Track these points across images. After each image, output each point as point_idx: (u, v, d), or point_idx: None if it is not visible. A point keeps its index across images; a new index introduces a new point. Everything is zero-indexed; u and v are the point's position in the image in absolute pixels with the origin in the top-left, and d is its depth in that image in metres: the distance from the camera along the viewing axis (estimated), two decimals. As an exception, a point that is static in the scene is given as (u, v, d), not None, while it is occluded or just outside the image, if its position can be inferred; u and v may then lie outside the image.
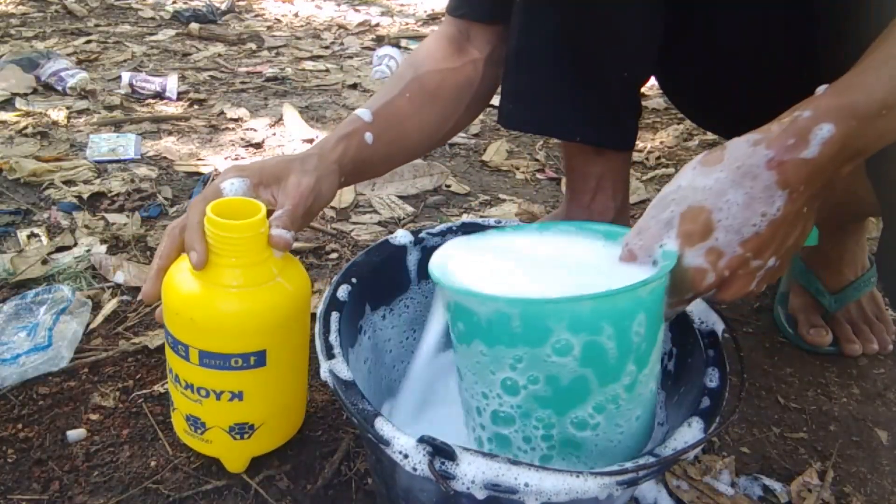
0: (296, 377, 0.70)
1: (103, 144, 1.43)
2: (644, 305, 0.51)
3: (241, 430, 0.67)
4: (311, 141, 1.56)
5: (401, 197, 1.32)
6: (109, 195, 1.25)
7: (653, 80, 0.97)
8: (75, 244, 1.09)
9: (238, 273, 0.61)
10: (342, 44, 2.42)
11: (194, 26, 2.40)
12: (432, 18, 2.86)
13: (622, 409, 0.53)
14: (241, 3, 2.85)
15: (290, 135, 1.59)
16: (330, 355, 0.55)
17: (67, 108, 1.62)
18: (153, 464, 0.71)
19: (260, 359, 0.63)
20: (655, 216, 0.54)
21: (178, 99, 1.76)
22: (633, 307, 0.50)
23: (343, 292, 0.63)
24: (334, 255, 1.12)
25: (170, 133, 1.56)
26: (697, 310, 0.63)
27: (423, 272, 0.71)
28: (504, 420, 0.54)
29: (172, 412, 0.71)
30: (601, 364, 0.51)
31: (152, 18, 2.54)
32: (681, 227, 0.52)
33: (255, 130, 1.60)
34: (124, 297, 0.96)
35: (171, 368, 0.67)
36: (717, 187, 0.52)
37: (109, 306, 0.94)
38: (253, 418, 0.66)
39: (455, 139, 1.58)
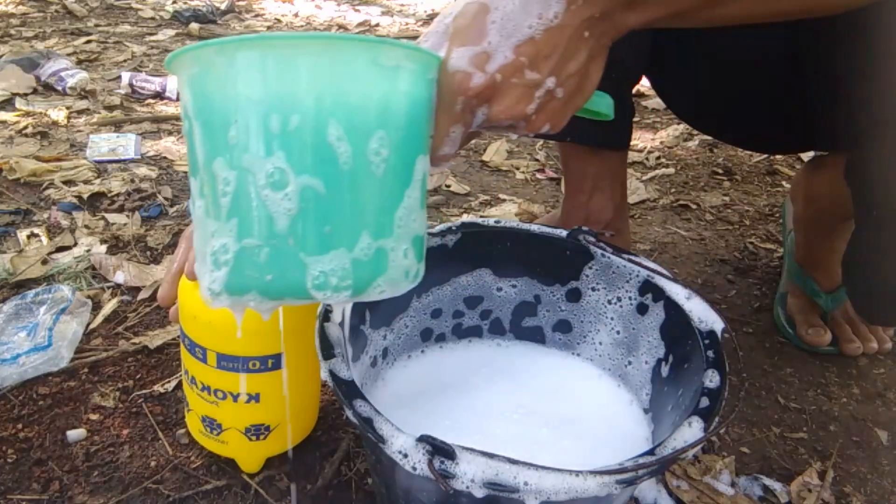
0: (310, 379, 0.70)
1: (103, 144, 1.43)
2: (388, 118, 0.43)
3: (258, 432, 0.67)
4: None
5: (401, 197, 1.32)
6: (109, 195, 1.25)
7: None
8: (75, 244, 1.09)
9: None
10: (342, 44, 2.42)
11: (194, 26, 2.40)
12: (432, 18, 2.87)
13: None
14: (241, 3, 2.85)
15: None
16: (329, 355, 0.55)
17: (67, 108, 1.62)
18: (153, 464, 0.71)
19: (277, 362, 0.63)
20: (433, 30, 0.51)
21: (178, 99, 1.76)
22: (371, 111, 0.42)
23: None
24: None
25: (170, 133, 1.56)
26: (697, 309, 0.63)
27: (424, 282, 0.71)
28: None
29: (187, 413, 0.71)
30: (334, 185, 0.41)
31: (152, 18, 2.55)
32: (453, 26, 0.48)
33: (255, 130, 1.60)
34: (124, 297, 0.96)
35: (187, 370, 0.67)
36: None
37: (109, 306, 0.94)
38: (269, 420, 0.67)
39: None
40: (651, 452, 0.49)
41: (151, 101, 1.74)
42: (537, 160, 1.56)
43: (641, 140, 1.70)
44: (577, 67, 0.50)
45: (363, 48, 0.42)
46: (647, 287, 0.68)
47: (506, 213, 1.29)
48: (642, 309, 0.69)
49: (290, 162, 0.41)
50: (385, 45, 0.43)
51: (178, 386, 0.81)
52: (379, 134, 0.43)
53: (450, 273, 0.73)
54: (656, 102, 1.88)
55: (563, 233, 0.71)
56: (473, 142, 1.62)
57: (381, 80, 0.43)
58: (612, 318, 0.72)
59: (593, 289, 0.72)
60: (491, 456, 0.46)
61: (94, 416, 0.76)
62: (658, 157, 1.59)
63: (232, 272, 0.43)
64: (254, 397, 0.65)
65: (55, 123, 1.55)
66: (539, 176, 1.48)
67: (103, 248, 1.07)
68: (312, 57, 0.41)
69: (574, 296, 0.73)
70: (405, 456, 0.46)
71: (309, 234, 0.42)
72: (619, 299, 0.71)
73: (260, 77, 0.41)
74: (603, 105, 0.57)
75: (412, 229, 0.47)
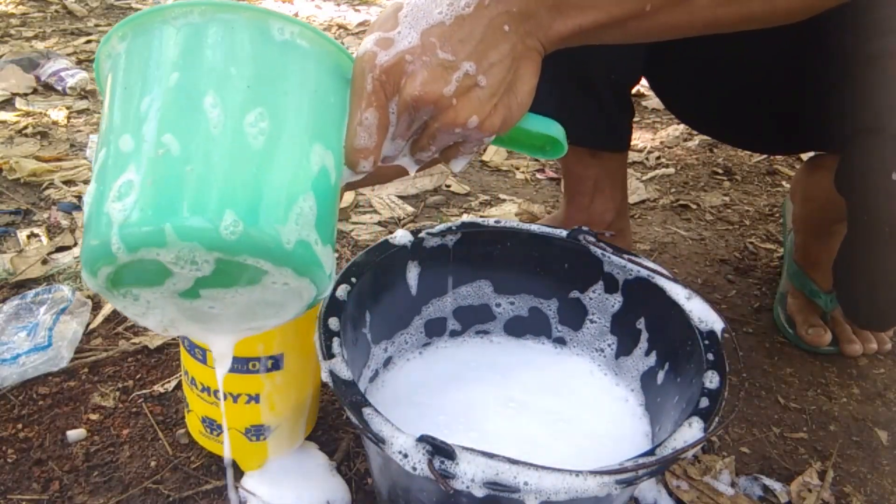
0: (310, 380, 0.70)
1: (103, 144, 1.43)
2: (272, 90, 0.44)
3: (258, 432, 0.67)
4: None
5: (401, 197, 1.32)
6: (109, 195, 1.25)
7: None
8: (75, 244, 1.09)
9: None
10: (342, 44, 2.42)
11: (194, 26, 2.39)
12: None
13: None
14: (241, 4, 2.84)
15: (290, 135, 1.59)
16: (329, 355, 0.55)
17: (67, 108, 1.62)
18: (153, 464, 0.71)
19: (277, 362, 0.63)
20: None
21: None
22: (253, 79, 0.43)
23: (342, 292, 0.63)
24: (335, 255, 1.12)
25: (170, 133, 1.56)
26: (697, 309, 0.63)
27: (424, 292, 0.72)
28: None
29: (187, 413, 0.71)
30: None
31: (152, 18, 2.55)
32: (371, 26, 0.50)
33: (255, 130, 1.60)
34: (124, 297, 0.96)
35: (187, 371, 0.67)
36: None
37: (109, 306, 0.94)
38: (269, 420, 0.67)
39: (455, 139, 1.58)
40: (651, 452, 0.49)
41: (151, 101, 1.74)
42: (537, 160, 1.56)
43: (641, 140, 1.70)
44: (499, 58, 0.49)
45: (254, 16, 0.44)
46: (637, 301, 0.68)
47: (506, 213, 1.29)
48: (627, 346, 0.70)
49: (158, 118, 0.42)
50: (276, 16, 0.44)
51: (178, 386, 0.81)
52: (258, 110, 0.43)
53: (450, 280, 0.73)
54: (656, 102, 1.88)
55: (563, 233, 0.71)
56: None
57: (271, 52, 0.44)
58: (599, 365, 0.73)
59: (592, 321, 0.73)
60: (491, 456, 0.46)
61: (94, 416, 0.76)
62: (658, 157, 1.59)
63: (87, 242, 0.43)
64: (254, 398, 0.65)
65: (55, 123, 1.55)
66: (539, 176, 1.48)
67: (103, 248, 1.07)
68: (200, 23, 0.43)
69: (574, 314, 0.74)
70: (405, 456, 0.46)
71: (171, 192, 0.41)
72: (601, 350, 0.73)
73: (159, 43, 0.43)
74: (554, 130, 0.55)
75: (306, 223, 0.45)
